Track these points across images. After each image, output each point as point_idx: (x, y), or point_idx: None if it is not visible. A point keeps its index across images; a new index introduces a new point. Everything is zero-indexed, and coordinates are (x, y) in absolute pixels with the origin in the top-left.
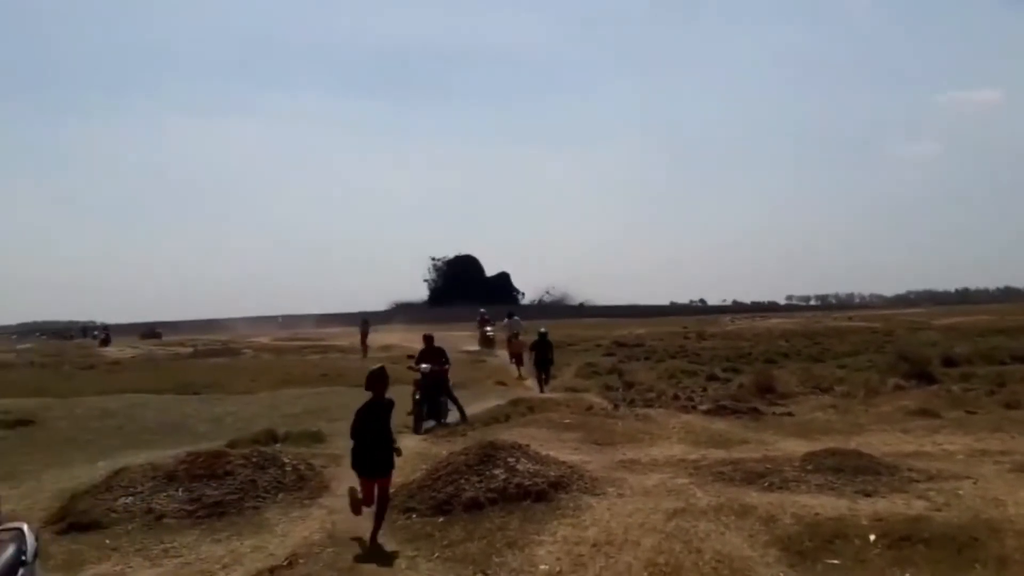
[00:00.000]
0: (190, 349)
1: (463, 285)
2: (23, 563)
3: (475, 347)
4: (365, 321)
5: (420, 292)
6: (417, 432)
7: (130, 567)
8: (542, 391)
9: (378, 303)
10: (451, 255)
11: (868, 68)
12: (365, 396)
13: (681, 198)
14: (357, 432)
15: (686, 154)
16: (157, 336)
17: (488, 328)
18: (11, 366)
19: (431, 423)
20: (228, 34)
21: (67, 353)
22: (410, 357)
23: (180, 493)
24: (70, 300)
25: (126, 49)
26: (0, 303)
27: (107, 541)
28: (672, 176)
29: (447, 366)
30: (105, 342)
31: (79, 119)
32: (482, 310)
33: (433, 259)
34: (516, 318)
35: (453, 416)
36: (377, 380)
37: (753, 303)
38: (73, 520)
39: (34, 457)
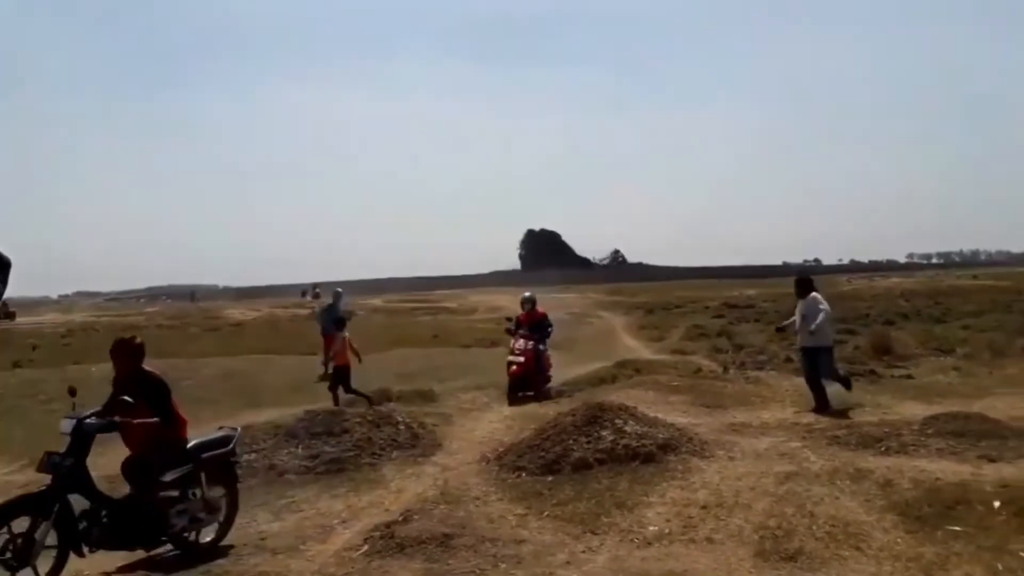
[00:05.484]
0: (308, 311)
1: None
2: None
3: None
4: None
5: (512, 260)
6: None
7: (255, 520)
8: None
9: (476, 267)
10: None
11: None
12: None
13: (792, 155)
14: None
15: (798, 107)
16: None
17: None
18: (140, 328)
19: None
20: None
21: (192, 315)
22: None
23: (300, 450)
24: (191, 265)
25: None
26: (128, 269)
27: None
28: (783, 132)
29: None
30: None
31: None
32: None
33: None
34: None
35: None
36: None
37: (871, 262)
38: None
39: None
